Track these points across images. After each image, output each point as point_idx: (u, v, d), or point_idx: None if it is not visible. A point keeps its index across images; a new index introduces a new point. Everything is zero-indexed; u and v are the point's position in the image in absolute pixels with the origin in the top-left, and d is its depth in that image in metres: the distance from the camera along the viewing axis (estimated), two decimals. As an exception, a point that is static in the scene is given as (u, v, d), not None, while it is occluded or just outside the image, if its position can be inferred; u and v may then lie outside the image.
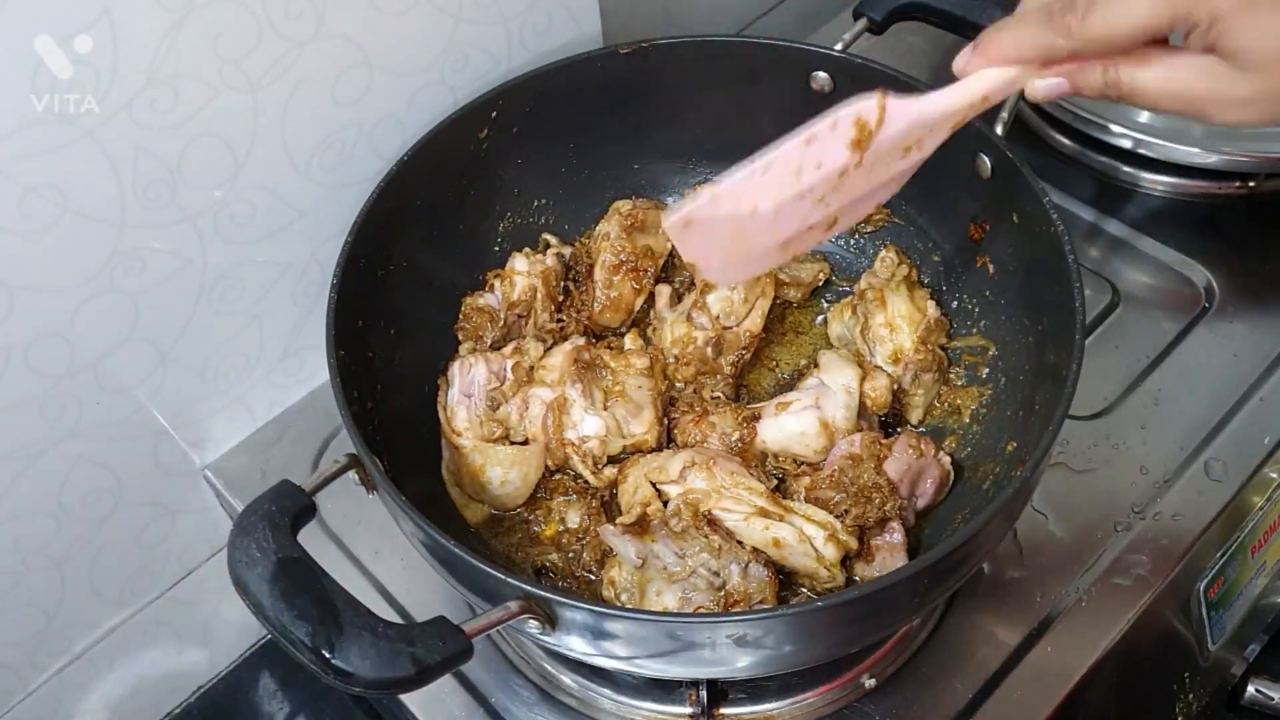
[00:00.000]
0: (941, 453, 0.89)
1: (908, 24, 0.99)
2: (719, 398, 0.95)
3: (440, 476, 0.92)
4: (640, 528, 0.81)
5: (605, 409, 0.91)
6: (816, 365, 0.94)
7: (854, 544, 0.83)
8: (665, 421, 0.93)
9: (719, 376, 0.96)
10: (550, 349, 0.95)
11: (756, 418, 0.91)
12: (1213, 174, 1.17)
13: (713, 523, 0.82)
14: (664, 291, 1.01)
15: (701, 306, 0.97)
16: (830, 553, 0.81)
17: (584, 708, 0.88)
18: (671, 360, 0.97)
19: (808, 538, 0.81)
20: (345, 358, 0.80)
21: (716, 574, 0.80)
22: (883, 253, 0.97)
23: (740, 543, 0.81)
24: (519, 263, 0.99)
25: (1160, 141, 1.14)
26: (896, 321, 0.94)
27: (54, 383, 0.84)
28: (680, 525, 0.81)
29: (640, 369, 0.92)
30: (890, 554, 0.84)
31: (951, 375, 0.96)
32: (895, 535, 0.85)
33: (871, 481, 0.84)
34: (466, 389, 0.92)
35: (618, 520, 0.82)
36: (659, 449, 0.91)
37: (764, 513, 0.82)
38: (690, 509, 0.82)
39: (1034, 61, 0.66)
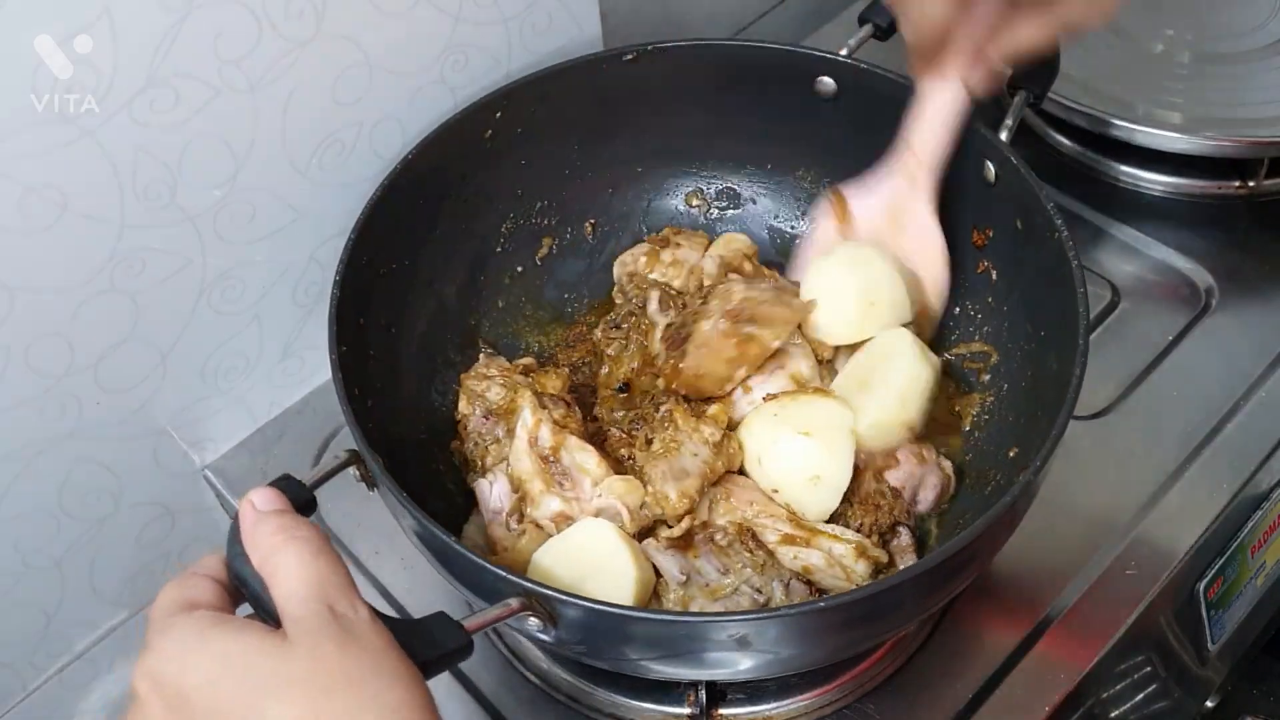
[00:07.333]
0: (943, 458, 0.89)
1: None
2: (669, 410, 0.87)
3: (438, 474, 0.92)
4: (685, 542, 0.81)
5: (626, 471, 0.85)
6: None
7: (884, 556, 0.83)
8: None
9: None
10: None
11: (733, 426, 0.87)
12: (1213, 173, 1.17)
13: (756, 538, 0.81)
14: (654, 296, 0.98)
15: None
16: (862, 569, 0.81)
17: (583, 708, 0.88)
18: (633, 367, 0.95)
19: (836, 559, 0.81)
20: (346, 354, 0.80)
21: (759, 591, 0.80)
22: None
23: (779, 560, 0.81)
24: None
25: (1151, 130, 1.12)
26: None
27: (54, 383, 0.84)
28: (725, 540, 0.80)
29: (707, 438, 0.84)
30: (901, 556, 0.84)
31: (953, 382, 0.95)
32: (904, 538, 0.85)
33: (875, 489, 0.85)
34: (497, 508, 0.86)
35: (662, 534, 0.81)
36: (680, 522, 0.82)
37: (790, 539, 0.81)
38: (735, 525, 0.81)
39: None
